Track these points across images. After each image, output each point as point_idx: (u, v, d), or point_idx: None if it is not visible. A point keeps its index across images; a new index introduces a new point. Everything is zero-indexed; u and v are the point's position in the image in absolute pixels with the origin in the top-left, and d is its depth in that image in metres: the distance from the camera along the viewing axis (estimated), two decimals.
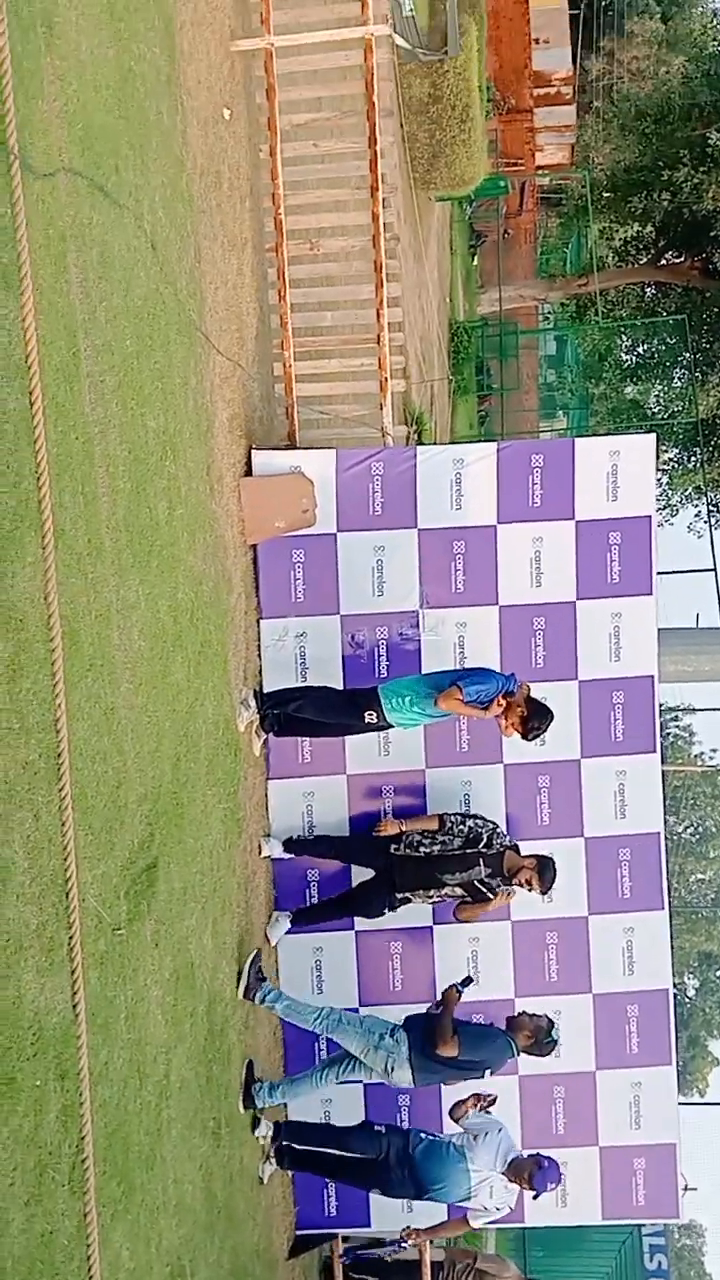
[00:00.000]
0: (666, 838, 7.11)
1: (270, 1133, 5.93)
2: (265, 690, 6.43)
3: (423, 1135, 5.83)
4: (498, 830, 6.18)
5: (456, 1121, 5.77)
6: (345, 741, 6.68)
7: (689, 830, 30.08)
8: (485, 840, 6.06)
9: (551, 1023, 5.97)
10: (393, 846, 6.25)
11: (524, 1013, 6.00)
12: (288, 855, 6.52)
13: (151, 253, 4.73)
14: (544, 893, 6.13)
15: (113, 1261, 3.78)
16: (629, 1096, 6.96)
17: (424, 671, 6.43)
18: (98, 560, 4.05)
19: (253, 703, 6.11)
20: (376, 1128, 5.94)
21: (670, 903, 7.09)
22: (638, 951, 6.96)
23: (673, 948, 7.26)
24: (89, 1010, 3.66)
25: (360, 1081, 6.36)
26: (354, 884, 6.57)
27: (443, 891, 6.03)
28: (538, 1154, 5.72)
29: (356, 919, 6.65)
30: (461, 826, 6.14)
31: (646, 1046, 6.95)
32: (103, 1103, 3.83)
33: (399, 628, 6.62)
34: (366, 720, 6.09)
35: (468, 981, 5.81)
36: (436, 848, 6.14)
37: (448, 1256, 7.31)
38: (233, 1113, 5.50)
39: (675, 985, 7.31)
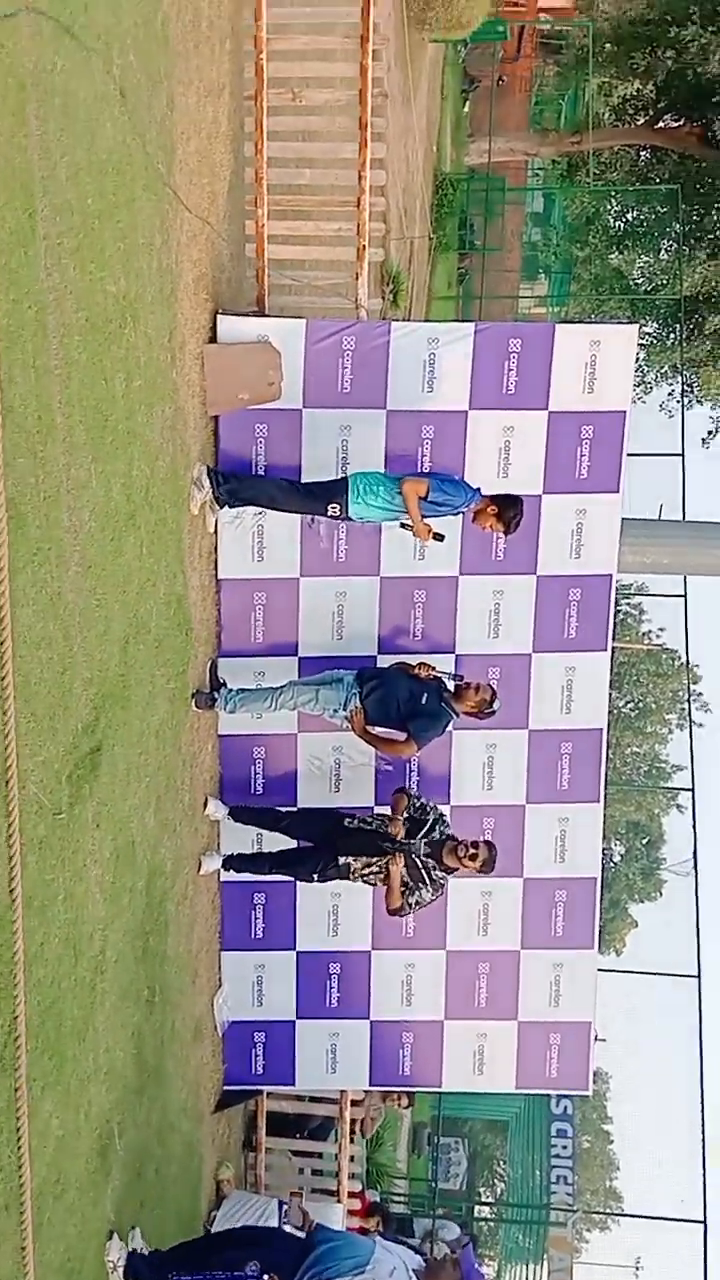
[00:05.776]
0: (609, 711, 7.19)
1: None
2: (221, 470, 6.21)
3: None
4: (442, 817, 6.22)
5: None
6: (299, 622, 6.65)
7: (629, 705, 30.62)
8: (429, 824, 6.09)
9: (494, 693, 6.20)
10: (343, 820, 6.33)
11: (469, 684, 6.24)
12: (230, 820, 6.54)
13: (120, 101, 4.38)
14: (485, 872, 6.08)
15: (42, 1131, 3.89)
16: (550, 976, 7.24)
17: None
18: (48, 438, 3.86)
19: (206, 482, 5.93)
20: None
21: (606, 795, 7.24)
22: (570, 841, 7.14)
23: (605, 830, 7.43)
24: (25, 895, 3.68)
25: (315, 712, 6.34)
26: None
27: (384, 860, 6.01)
28: (446, 1254, 5.09)
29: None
30: (413, 805, 6.19)
31: (571, 931, 7.20)
32: (37, 982, 3.87)
33: None
34: (329, 512, 6.02)
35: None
36: (381, 822, 6.23)
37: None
38: (168, 980, 5.63)
39: (603, 850, 7.51)
